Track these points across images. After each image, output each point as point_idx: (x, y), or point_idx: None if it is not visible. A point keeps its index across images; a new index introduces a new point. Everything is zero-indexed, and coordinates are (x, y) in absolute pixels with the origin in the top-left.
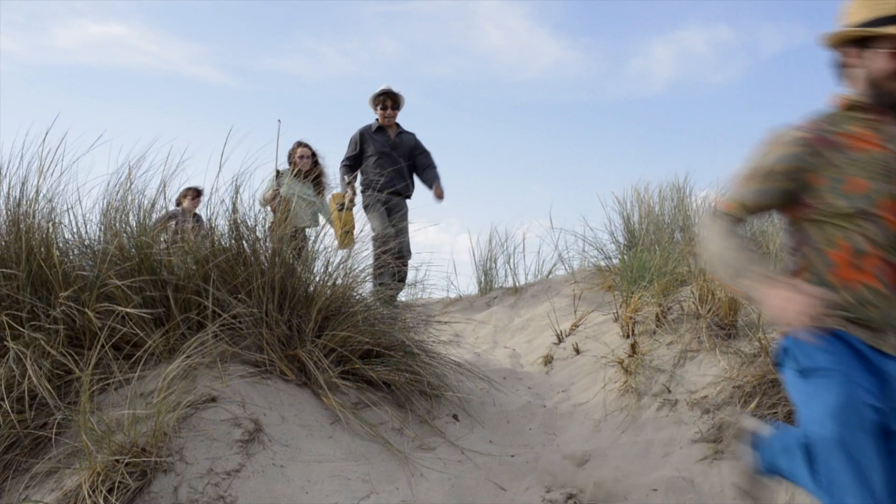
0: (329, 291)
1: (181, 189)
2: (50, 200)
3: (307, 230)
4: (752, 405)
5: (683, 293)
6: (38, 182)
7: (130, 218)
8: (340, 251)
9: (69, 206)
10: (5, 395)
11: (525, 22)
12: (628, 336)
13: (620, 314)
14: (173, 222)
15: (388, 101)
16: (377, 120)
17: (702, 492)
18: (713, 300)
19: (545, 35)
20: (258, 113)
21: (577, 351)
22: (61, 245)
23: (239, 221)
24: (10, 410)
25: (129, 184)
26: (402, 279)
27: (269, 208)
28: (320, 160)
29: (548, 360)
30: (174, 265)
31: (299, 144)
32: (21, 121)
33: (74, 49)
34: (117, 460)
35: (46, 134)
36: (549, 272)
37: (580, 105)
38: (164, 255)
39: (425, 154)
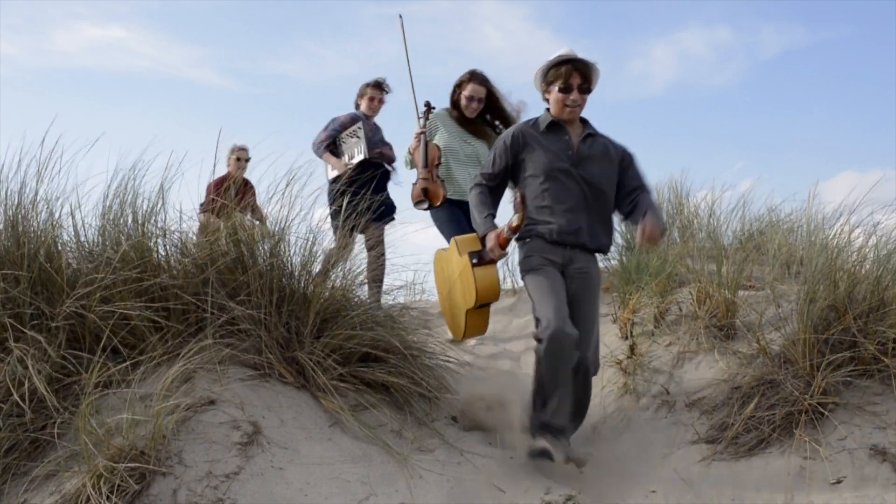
0: (327, 293)
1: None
2: (48, 202)
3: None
4: (751, 406)
5: (682, 294)
6: (37, 185)
7: (129, 221)
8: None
9: (70, 210)
10: (7, 398)
11: (525, 24)
12: (626, 337)
13: (618, 315)
14: (357, 127)
15: (576, 75)
16: (547, 111)
17: (700, 493)
18: (711, 301)
19: (545, 37)
20: (258, 116)
21: None
22: (60, 248)
23: (236, 224)
24: (10, 413)
25: (127, 187)
26: (582, 408)
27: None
28: (501, 104)
29: None
30: (173, 268)
31: (472, 77)
32: (21, 125)
33: (74, 53)
34: (116, 463)
35: (44, 137)
36: None
37: None
38: (162, 259)
39: (633, 168)
